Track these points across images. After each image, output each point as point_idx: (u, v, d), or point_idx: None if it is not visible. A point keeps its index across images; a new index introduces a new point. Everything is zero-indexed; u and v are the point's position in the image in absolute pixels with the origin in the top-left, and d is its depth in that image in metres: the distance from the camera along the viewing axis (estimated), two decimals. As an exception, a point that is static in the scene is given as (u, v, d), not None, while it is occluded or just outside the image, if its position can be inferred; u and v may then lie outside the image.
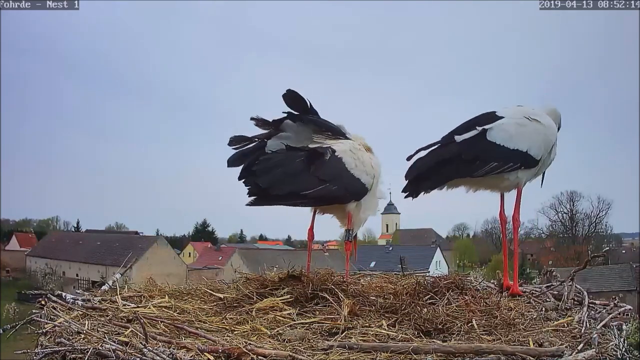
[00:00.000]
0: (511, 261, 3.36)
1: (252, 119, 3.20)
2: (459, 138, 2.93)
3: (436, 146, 2.99)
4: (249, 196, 2.98)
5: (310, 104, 3.18)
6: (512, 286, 3.11)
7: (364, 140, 3.38)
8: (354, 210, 3.27)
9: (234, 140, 3.15)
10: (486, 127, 2.94)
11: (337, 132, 3.23)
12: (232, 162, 3.07)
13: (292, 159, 2.97)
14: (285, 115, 3.15)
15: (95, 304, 2.74)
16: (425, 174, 2.96)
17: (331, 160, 3.02)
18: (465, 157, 2.91)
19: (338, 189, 3.07)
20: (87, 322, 2.38)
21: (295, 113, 3.16)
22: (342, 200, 3.18)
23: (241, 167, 3.05)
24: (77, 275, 40.73)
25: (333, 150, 3.05)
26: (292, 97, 3.14)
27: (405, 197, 3.04)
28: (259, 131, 3.24)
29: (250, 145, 3.16)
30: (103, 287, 3.15)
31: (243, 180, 3.00)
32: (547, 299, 3.07)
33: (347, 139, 3.24)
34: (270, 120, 3.19)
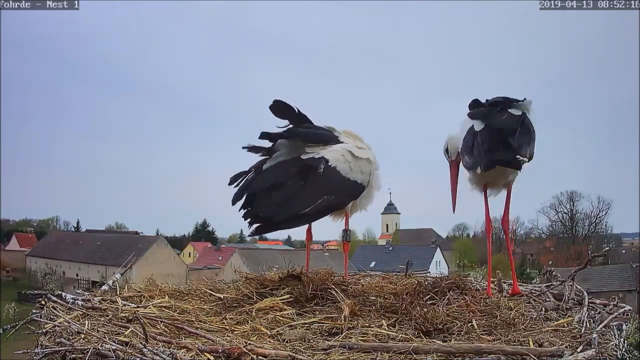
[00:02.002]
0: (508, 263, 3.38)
1: (243, 147, 3.13)
2: (514, 112, 2.81)
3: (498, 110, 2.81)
4: (249, 226, 2.97)
5: (298, 110, 3.13)
6: (512, 286, 3.15)
7: (354, 133, 3.34)
8: (351, 208, 3.27)
9: (234, 179, 3.08)
10: (525, 111, 2.87)
11: (328, 139, 3.15)
12: (236, 199, 3.01)
13: (285, 180, 2.91)
14: (279, 133, 3.08)
15: (95, 304, 2.74)
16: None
17: (325, 171, 2.98)
18: (525, 130, 2.80)
19: (336, 198, 3.05)
20: (87, 322, 2.38)
21: (283, 128, 3.10)
22: (342, 207, 3.18)
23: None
24: (77, 275, 40.69)
25: (326, 160, 3.01)
26: (278, 107, 3.10)
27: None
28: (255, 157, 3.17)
29: (249, 175, 3.09)
30: (103, 287, 3.15)
31: (243, 213, 2.98)
32: (547, 299, 3.07)
33: (339, 141, 3.17)
34: (263, 146, 3.13)
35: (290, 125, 3.13)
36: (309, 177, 2.93)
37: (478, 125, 2.82)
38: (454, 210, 3.33)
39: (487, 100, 2.97)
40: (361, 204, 3.31)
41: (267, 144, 3.13)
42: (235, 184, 3.06)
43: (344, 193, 3.10)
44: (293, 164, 2.99)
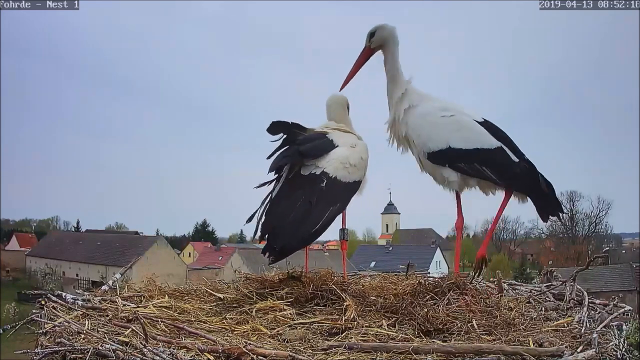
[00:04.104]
0: None
1: (255, 187, 3.14)
2: None
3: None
4: (269, 257, 2.96)
5: (290, 123, 3.13)
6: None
7: (343, 127, 3.33)
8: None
9: (249, 219, 3.06)
10: None
11: (325, 148, 3.12)
12: (255, 234, 3.03)
13: (293, 207, 2.90)
14: (284, 158, 3.06)
15: (95, 304, 2.74)
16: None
17: (328, 184, 2.96)
18: None
19: (341, 204, 3.06)
20: (87, 322, 2.38)
21: (277, 141, 3.10)
22: (344, 208, 3.19)
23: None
24: (77, 275, 40.70)
25: (327, 173, 2.99)
26: (275, 128, 3.09)
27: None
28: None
29: (260, 210, 3.06)
30: (103, 287, 3.15)
31: (262, 249, 2.99)
32: (547, 299, 3.07)
33: (335, 145, 3.14)
34: (269, 180, 3.13)
35: (284, 136, 3.11)
36: (314, 196, 2.92)
37: (513, 157, 3.01)
38: (341, 89, 3.35)
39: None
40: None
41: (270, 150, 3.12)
42: (251, 222, 3.04)
43: (347, 197, 3.10)
44: (295, 184, 2.97)
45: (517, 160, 3.02)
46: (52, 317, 2.44)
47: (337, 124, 3.37)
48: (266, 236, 2.94)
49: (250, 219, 3.03)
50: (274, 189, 3.06)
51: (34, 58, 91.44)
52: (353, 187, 3.12)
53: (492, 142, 3.01)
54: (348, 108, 3.55)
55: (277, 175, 3.10)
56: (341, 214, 3.27)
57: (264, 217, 2.97)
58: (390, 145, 3.31)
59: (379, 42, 3.19)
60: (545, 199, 3.09)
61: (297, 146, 3.03)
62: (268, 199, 3.04)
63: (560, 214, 3.19)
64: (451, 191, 3.17)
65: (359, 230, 66.61)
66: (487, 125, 3.08)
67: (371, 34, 3.20)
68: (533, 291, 3.26)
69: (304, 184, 2.96)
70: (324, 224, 2.95)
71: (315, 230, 2.92)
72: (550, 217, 3.17)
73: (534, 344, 2.15)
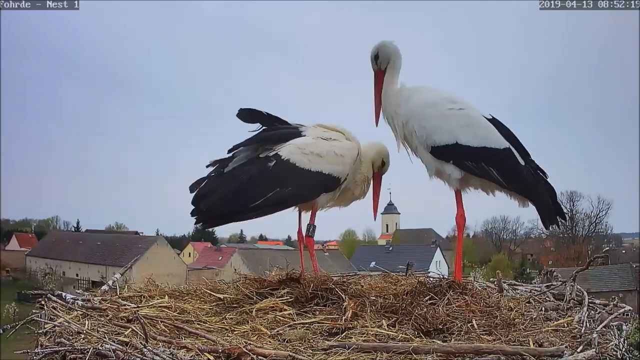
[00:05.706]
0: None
1: (207, 166, 3.14)
2: None
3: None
4: (193, 215, 2.97)
5: (266, 113, 3.12)
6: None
7: (329, 125, 3.27)
8: (327, 202, 3.23)
9: (193, 186, 3.06)
10: None
11: (288, 136, 3.09)
12: (193, 202, 3.00)
13: (235, 176, 2.93)
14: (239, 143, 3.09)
15: (95, 304, 2.74)
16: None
17: (278, 164, 2.95)
18: None
19: (294, 190, 3.01)
20: (87, 322, 2.38)
21: (255, 132, 3.11)
22: (307, 199, 3.12)
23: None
24: (77, 275, 40.68)
25: (279, 155, 2.98)
26: (246, 114, 3.11)
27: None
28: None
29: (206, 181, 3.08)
30: (103, 287, 3.15)
31: (191, 210, 2.98)
32: (547, 299, 3.07)
33: (302, 136, 3.10)
34: (224, 158, 3.13)
35: (263, 128, 3.12)
36: (258, 172, 2.93)
37: (520, 160, 2.95)
38: (376, 123, 3.16)
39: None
40: (343, 197, 3.29)
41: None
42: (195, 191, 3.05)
43: (303, 185, 3.03)
44: (246, 164, 3.02)
45: (523, 163, 2.94)
46: (52, 317, 2.44)
47: (328, 124, 3.32)
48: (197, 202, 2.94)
49: (194, 186, 3.04)
50: (226, 164, 3.07)
51: (34, 58, 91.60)
52: (316, 176, 3.03)
53: (501, 142, 2.91)
54: (384, 162, 3.33)
55: (231, 155, 3.10)
56: (310, 210, 3.23)
57: (205, 187, 2.97)
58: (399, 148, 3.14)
59: (386, 60, 3.07)
60: (548, 206, 3.00)
61: (263, 133, 3.07)
62: (216, 172, 3.05)
63: (562, 221, 3.15)
64: (451, 187, 3.05)
65: (359, 230, 66.61)
66: (495, 123, 2.98)
67: (375, 56, 3.08)
68: (533, 291, 3.25)
69: (255, 163, 2.99)
70: (267, 202, 2.93)
71: (256, 205, 2.92)
72: (551, 224, 3.11)
73: (534, 344, 2.14)
